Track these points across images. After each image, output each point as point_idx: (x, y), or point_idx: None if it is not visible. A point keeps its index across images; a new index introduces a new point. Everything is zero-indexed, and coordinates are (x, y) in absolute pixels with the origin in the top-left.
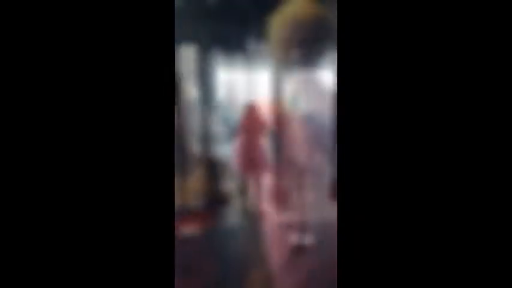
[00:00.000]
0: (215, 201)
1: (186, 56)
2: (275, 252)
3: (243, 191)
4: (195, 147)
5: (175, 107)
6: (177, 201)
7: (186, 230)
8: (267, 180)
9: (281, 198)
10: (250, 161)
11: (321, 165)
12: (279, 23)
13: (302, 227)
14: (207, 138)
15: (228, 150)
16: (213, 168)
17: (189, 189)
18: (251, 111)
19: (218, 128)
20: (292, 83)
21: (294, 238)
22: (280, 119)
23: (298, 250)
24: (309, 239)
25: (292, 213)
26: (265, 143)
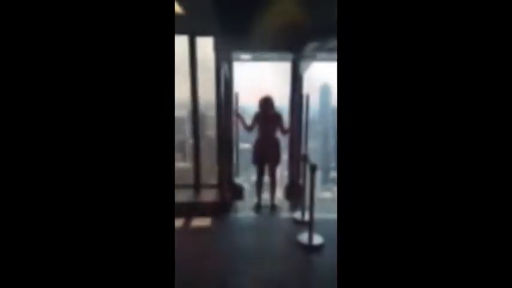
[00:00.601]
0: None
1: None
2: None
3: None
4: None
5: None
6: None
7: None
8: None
9: (296, 192)
10: (267, 153)
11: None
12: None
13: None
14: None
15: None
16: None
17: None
18: (267, 104)
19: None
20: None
21: (304, 237)
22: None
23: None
24: (317, 239)
25: (303, 210)
26: (280, 136)
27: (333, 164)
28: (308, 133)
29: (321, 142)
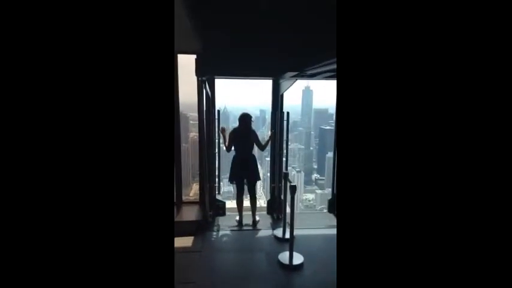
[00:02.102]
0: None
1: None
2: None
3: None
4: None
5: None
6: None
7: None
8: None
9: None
10: (246, 170)
11: None
12: None
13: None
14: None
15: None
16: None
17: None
18: (245, 121)
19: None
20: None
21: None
22: None
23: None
24: (298, 258)
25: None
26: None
27: (315, 165)
28: (288, 149)
29: (304, 143)
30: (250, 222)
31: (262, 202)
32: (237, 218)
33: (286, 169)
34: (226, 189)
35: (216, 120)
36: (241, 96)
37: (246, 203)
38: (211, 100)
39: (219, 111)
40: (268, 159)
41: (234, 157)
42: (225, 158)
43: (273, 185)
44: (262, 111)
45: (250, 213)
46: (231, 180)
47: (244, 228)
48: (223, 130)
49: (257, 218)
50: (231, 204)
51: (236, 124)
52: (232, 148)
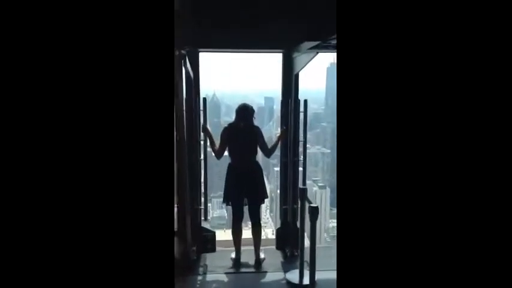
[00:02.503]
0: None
1: None
2: None
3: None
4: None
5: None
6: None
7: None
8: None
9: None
10: (247, 186)
11: None
12: None
13: None
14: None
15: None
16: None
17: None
18: (245, 115)
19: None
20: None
21: None
22: None
23: None
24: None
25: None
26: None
27: None
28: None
29: (329, 145)
30: (252, 261)
31: (269, 232)
32: (233, 255)
33: (304, 184)
34: (216, 213)
35: (201, 113)
36: (238, 78)
37: (247, 233)
38: (193, 84)
39: (205, 99)
40: (278, 169)
41: (229, 166)
42: (215, 167)
43: (284, 206)
44: (267, 100)
45: (252, 248)
46: (225, 200)
47: (244, 270)
48: (205, 129)
49: (262, 256)
50: (224, 235)
51: (231, 119)
52: (226, 153)
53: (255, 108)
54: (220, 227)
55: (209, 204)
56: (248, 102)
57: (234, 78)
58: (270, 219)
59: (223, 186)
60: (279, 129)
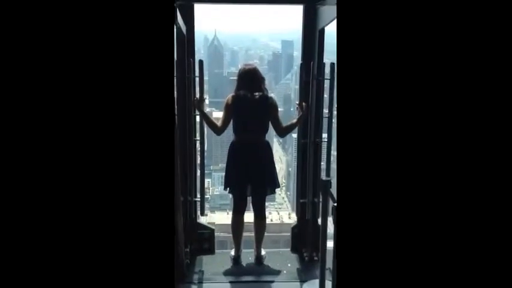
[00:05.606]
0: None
1: None
2: None
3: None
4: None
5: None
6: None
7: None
8: None
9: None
10: (252, 170)
11: None
12: None
13: None
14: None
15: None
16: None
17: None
18: (252, 79)
19: None
20: None
21: None
22: None
23: None
24: None
25: None
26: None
27: None
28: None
29: None
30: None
31: (285, 215)
32: (232, 252)
33: (328, 174)
34: (217, 190)
35: (197, 79)
36: (243, 36)
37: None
38: (187, 43)
39: (201, 62)
40: (294, 153)
41: (232, 145)
42: (215, 149)
43: (302, 200)
44: (286, 45)
45: (254, 248)
46: (227, 184)
47: (248, 278)
48: (200, 100)
49: (263, 252)
50: (226, 218)
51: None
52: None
53: (268, 55)
54: (223, 207)
55: (209, 180)
56: (261, 47)
57: (240, 15)
58: (286, 199)
59: (225, 170)
60: (297, 104)
